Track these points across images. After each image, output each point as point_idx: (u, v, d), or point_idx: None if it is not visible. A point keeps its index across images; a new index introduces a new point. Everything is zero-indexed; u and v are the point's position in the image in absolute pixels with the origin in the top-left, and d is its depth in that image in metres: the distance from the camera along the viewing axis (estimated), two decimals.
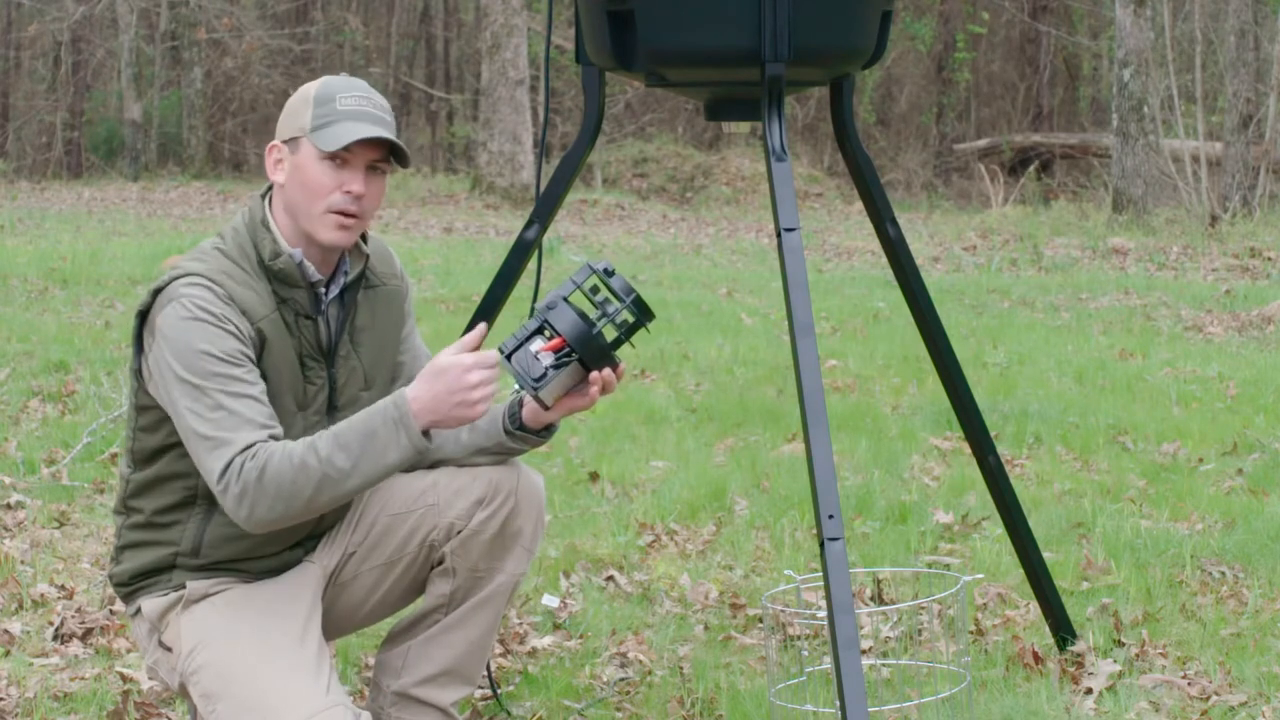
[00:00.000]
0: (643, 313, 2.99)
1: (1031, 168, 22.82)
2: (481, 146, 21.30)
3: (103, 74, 27.43)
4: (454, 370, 2.83)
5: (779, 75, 3.35)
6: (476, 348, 2.88)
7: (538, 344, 2.96)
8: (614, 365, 3.00)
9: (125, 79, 25.15)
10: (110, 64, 26.89)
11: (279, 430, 2.89)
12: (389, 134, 2.96)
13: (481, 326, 2.92)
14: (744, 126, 3.49)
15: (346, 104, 2.97)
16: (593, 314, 2.98)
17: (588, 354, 2.96)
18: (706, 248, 16.23)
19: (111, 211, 18.84)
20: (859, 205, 19.76)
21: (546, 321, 2.96)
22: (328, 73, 28.12)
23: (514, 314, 6.36)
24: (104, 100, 27.11)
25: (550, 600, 4.30)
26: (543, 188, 3.74)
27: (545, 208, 3.71)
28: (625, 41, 3.46)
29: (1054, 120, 27.28)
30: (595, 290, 2.99)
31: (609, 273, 2.98)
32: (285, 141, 3.00)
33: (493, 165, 20.84)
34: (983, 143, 24.76)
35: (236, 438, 2.83)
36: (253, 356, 2.91)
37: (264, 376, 2.94)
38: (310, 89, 3.01)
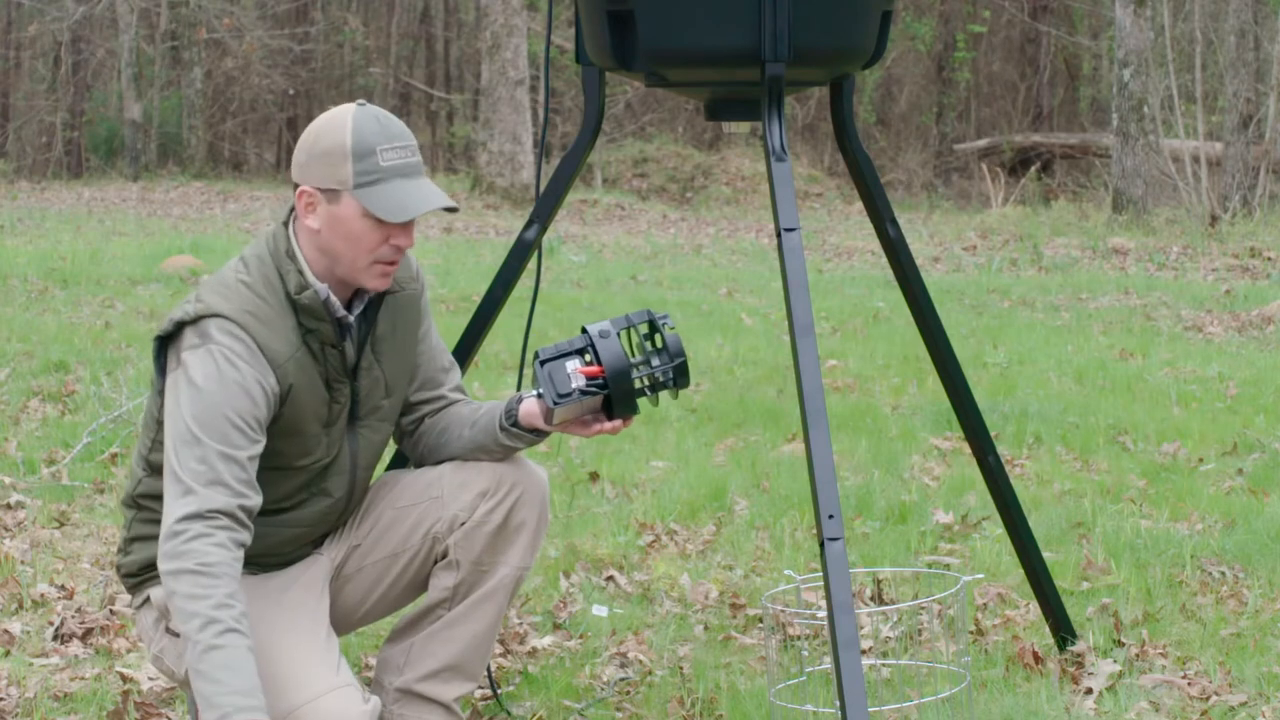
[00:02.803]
0: (679, 377, 3.00)
1: (1032, 168, 22.81)
2: (481, 146, 21.29)
3: (103, 74, 27.42)
4: None
5: (779, 75, 3.36)
6: None
7: (575, 363, 2.97)
8: (632, 412, 3.02)
9: (125, 79, 25.13)
10: (110, 64, 26.88)
11: (251, 501, 2.87)
12: (442, 198, 2.97)
13: None
14: (744, 126, 3.48)
15: (390, 159, 2.93)
16: (635, 357, 2.99)
17: (616, 393, 2.97)
18: (706, 248, 16.23)
19: (111, 211, 18.84)
20: (859, 205, 19.75)
21: (592, 345, 2.97)
22: (327, 73, 27.81)
23: (514, 313, 6.36)
24: (104, 100, 27.10)
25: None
26: (543, 188, 3.74)
27: (545, 208, 3.71)
28: (625, 41, 3.45)
29: (1054, 120, 27.27)
30: (648, 337, 3.00)
31: (669, 326, 3.00)
32: (321, 189, 2.95)
33: (493, 165, 20.83)
34: (983, 143, 24.75)
35: (208, 496, 2.82)
36: (264, 419, 2.91)
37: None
38: (344, 135, 2.92)
